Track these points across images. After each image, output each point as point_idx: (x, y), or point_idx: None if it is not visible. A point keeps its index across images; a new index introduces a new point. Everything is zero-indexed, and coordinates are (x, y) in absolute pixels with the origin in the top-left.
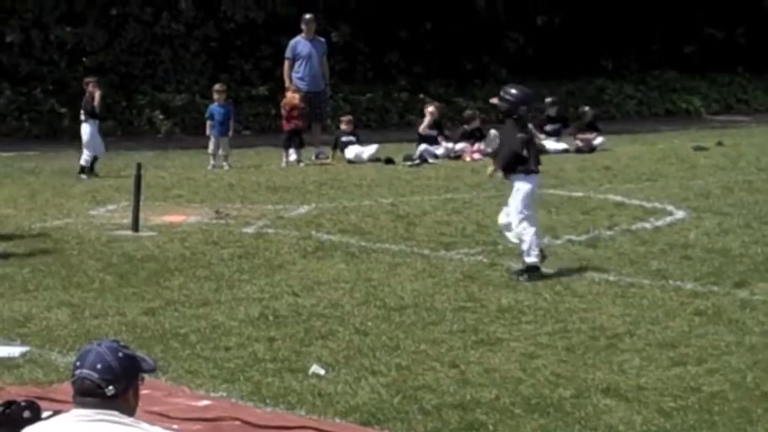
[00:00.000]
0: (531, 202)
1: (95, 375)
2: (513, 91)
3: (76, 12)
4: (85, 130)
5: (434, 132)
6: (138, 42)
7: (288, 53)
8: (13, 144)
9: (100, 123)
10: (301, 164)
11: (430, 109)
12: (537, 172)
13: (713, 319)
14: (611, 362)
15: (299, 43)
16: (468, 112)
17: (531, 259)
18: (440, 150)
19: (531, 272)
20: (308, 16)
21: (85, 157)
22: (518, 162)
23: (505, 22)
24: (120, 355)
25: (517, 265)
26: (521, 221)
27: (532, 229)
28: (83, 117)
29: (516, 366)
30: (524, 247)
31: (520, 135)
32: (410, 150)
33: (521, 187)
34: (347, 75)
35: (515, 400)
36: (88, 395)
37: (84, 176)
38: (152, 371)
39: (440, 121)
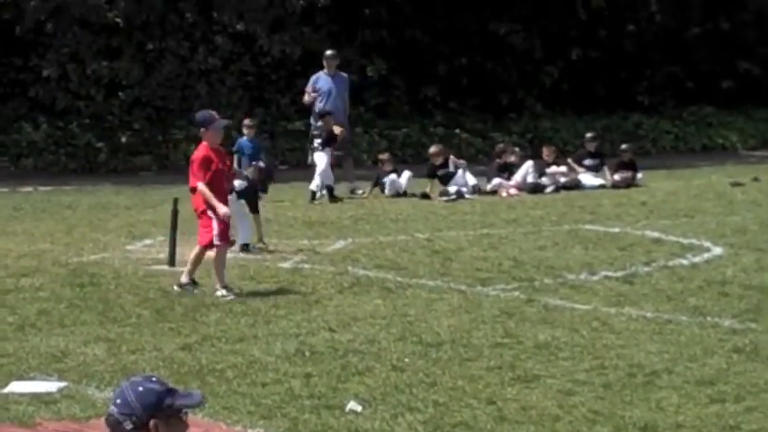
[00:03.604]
0: None
1: (115, 410)
2: None
3: (113, 46)
4: None
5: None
6: (175, 77)
7: (308, 87)
8: (50, 178)
9: None
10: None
11: (432, 150)
12: None
13: (751, 357)
14: (648, 399)
15: (320, 79)
16: (499, 146)
17: None
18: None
19: None
20: (329, 53)
21: None
22: None
23: (541, 56)
24: (140, 389)
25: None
26: None
27: None
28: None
29: (553, 403)
30: None
31: None
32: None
33: None
34: (383, 109)
35: None
36: (113, 429)
37: None
38: (194, 406)
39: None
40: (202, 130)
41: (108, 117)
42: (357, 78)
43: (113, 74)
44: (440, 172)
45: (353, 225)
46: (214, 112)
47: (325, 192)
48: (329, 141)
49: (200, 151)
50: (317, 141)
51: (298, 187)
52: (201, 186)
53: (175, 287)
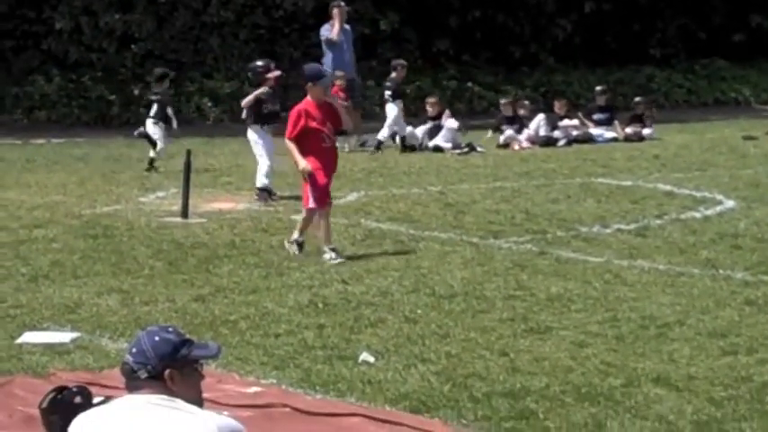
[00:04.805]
0: None
1: (131, 359)
2: None
3: None
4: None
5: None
6: (188, 30)
7: (333, 33)
8: (63, 131)
9: None
10: (345, 149)
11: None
12: None
13: (764, 309)
14: (661, 351)
15: (328, 31)
16: (503, 100)
17: None
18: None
19: None
20: (341, 5)
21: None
22: None
23: (553, 9)
24: (156, 338)
25: None
26: None
27: None
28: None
29: (566, 355)
30: None
31: None
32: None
33: None
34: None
35: (565, 389)
36: (128, 379)
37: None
38: (210, 357)
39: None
40: (309, 84)
41: (120, 70)
42: (370, 32)
43: (126, 26)
44: (430, 123)
45: (366, 178)
46: (323, 68)
47: (397, 141)
48: (399, 93)
49: (298, 105)
50: (387, 93)
51: None
52: (287, 141)
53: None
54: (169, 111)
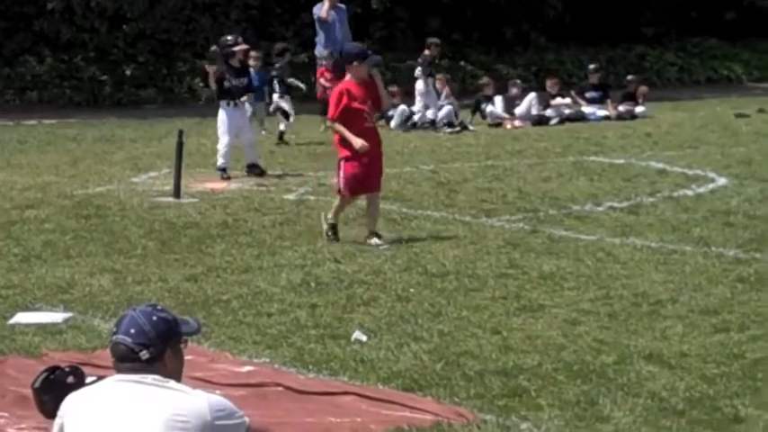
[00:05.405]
0: None
1: (129, 340)
2: None
3: None
4: None
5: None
6: (179, 10)
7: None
8: (55, 111)
9: None
10: None
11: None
12: None
13: (756, 286)
14: (653, 328)
15: (320, 10)
16: (483, 80)
17: None
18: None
19: None
20: None
21: None
22: None
23: None
24: (155, 318)
25: None
26: None
27: None
28: None
29: (558, 333)
30: None
31: None
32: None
33: None
34: (387, 42)
35: (558, 367)
36: (124, 360)
37: None
38: (194, 333)
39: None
40: (355, 63)
41: (112, 50)
42: (361, 11)
43: (118, 6)
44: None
45: None
46: (365, 47)
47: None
48: (429, 70)
49: (339, 85)
50: (418, 70)
51: (302, 120)
52: (334, 123)
53: (374, 241)
54: (291, 80)
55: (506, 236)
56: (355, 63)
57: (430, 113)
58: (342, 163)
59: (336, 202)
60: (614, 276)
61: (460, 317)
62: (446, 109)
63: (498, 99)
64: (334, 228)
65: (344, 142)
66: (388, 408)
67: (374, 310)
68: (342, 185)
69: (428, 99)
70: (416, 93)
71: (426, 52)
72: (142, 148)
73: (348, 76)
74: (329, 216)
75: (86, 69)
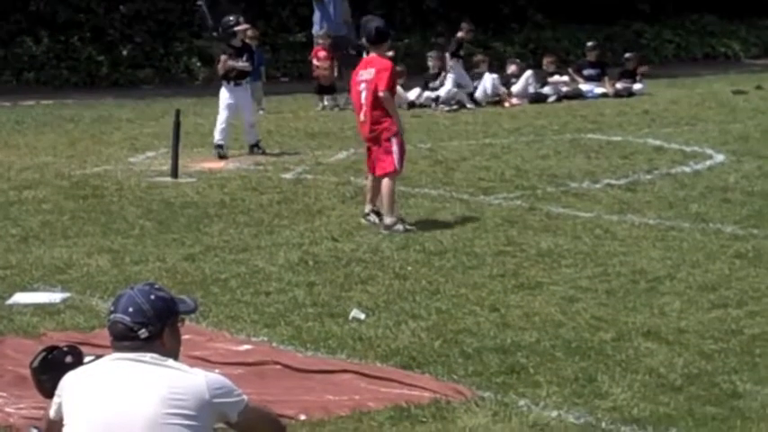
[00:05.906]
0: None
1: (127, 319)
2: None
3: None
4: None
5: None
6: None
7: None
8: (52, 92)
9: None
10: (336, 109)
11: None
12: None
13: (753, 262)
14: (651, 305)
15: None
16: (478, 57)
17: None
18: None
19: None
20: None
21: None
22: None
23: None
24: (153, 297)
25: None
26: None
27: None
28: None
29: (556, 310)
30: None
31: None
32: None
33: None
34: (386, 21)
35: (556, 344)
36: (123, 339)
37: None
38: (191, 311)
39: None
40: (386, 43)
41: (109, 30)
42: None
43: None
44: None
45: (356, 136)
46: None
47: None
48: (458, 52)
49: (387, 61)
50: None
51: (299, 99)
52: (386, 94)
53: (384, 231)
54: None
55: (504, 213)
56: (386, 43)
57: (463, 92)
58: (393, 139)
59: (384, 190)
60: (612, 253)
61: (458, 294)
62: (449, 89)
63: (488, 76)
64: (402, 220)
65: (390, 118)
66: (386, 385)
67: (372, 288)
68: (396, 162)
69: (462, 79)
70: (449, 72)
71: (460, 34)
72: (139, 129)
73: (377, 54)
74: (391, 214)
75: (83, 50)
